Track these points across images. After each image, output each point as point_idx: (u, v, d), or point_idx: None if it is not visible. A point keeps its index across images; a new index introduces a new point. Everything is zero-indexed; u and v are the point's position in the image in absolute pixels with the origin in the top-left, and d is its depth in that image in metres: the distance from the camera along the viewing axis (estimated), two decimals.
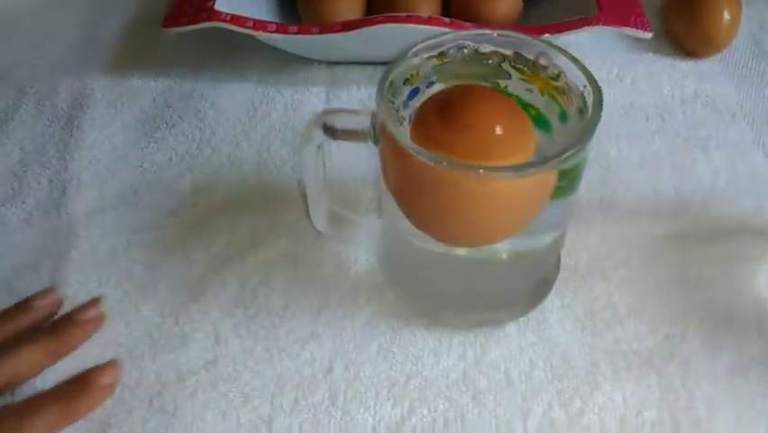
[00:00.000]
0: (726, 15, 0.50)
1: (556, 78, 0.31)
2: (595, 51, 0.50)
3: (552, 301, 0.36)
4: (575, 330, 0.35)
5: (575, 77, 0.31)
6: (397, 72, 0.31)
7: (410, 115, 0.30)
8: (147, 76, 0.49)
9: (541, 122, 0.31)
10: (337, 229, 0.37)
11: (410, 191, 0.30)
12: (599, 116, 0.29)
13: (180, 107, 0.47)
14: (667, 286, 0.37)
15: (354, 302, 0.37)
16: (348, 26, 0.44)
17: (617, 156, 0.44)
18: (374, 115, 0.31)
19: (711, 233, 0.40)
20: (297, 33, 0.45)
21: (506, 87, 0.32)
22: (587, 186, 0.41)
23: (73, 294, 0.36)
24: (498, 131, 0.28)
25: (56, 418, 0.31)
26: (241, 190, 0.42)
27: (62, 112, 0.47)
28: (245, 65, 0.50)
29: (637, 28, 0.44)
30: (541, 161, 0.28)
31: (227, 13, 0.45)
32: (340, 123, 0.31)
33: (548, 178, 0.29)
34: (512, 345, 0.35)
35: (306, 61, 0.49)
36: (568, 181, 0.31)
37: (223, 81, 0.49)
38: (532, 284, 0.35)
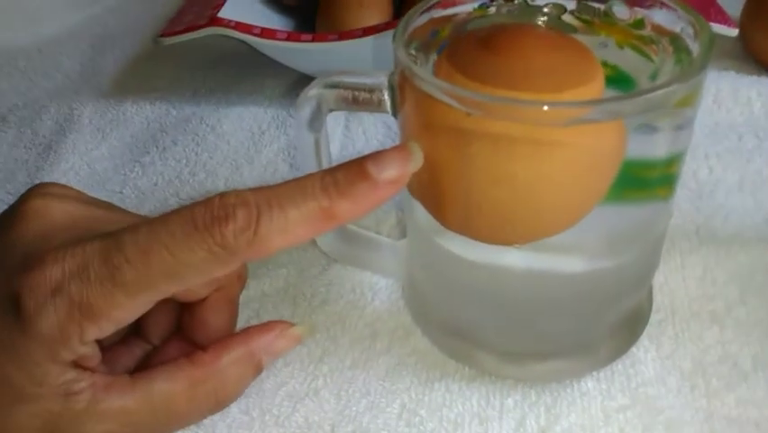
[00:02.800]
0: None
1: (639, 24, 0.23)
2: None
3: (645, 351, 0.26)
4: (682, 390, 0.25)
5: (666, 19, 0.22)
6: (421, 20, 0.23)
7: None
8: (143, 101, 0.43)
9: (622, 80, 0.22)
10: (350, 250, 0.28)
11: (441, 168, 0.21)
12: (709, 55, 0.20)
13: (176, 132, 0.40)
14: None
15: (370, 348, 0.27)
16: (371, 31, 0.37)
17: (708, 178, 0.35)
18: (392, 75, 0.23)
19: None
20: (311, 42, 0.38)
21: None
22: (677, 212, 0.32)
23: None
24: (559, 59, 0.19)
25: (306, 216, 0.21)
26: None
27: (42, 138, 0.41)
28: (255, 89, 0.44)
29: (720, 23, 0.36)
30: (630, 95, 0.19)
31: (231, 20, 0.38)
32: (349, 82, 0.23)
33: (621, 137, 0.20)
34: (593, 409, 0.24)
35: None
36: (662, 173, 0.22)
37: (228, 105, 0.42)
38: (616, 320, 0.25)
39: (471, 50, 0.21)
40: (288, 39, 0.38)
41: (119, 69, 0.48)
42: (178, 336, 0.26)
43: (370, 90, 0.23)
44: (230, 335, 0.25)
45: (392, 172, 0.21)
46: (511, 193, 0.20)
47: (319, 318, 0.28)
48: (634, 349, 0.26)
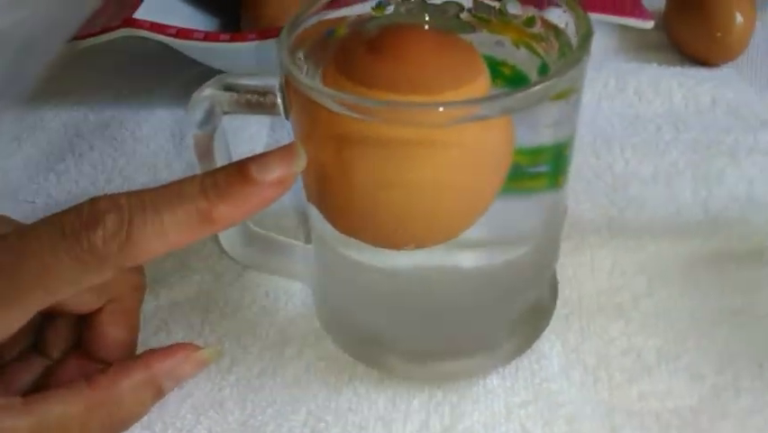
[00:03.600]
0: (739, 17, 0.42)
1: (530, 22, 0.23)
2: None
3: (550, 345, 0.26)
4: (586, 384, 0.25)
5: (554, 16, 0.22)
6: (311, 22, 0.23)
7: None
8: (62, 106, 0.42)
9: (519, 80, 0.22)
10: (258, 255, 0.28)
11: (329, 173, 0.21)
12: (585, 48, 0.20)
13: (93, 137, 0.40)
14: (707, 321, 0.27)
15: (280, 355, 0.27)
16: None
17: (623, 170, 0.35)
18: (284, 79, 0.22)
19: (755, 252, 0.30)
20: (230, 41, 0.37)
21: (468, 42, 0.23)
22: (590, 205, 0.33)
23: None
24: (441, 60, 0.19)
25: (183, 220, 0.20)
26: None
27: None
28: (178, 91, 0.43)
29: (636, 17, 0.36)
30: (514, 91, 0.19)
31: (146, 21, 0.38)
32: (242, 84, 0.23)
33: (509, 133, 0.20)
34: (496, 406, 0.24)
35: None
36: (551, 161, 0.22)
37: (150, 108, 0.41)
38: (516, 315, 0.25)
39: (356, 53, 0.21)
40: (205, 39, 0.38)
41: (42, 74, 0.46)
42: (77, 351, 0.25)
43: (263, 93, 0.23)
44: (131, 357, 0.25)
45: (276, 173, 0.21)
46: (400, 198, 0.20)
47: (230, 326, 0.28)
48: (539, 344, 0.26)
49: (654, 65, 0.43)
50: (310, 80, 0.20)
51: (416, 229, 0.21)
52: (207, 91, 0.23)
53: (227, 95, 0.23)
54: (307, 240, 0.27)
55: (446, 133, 0.20)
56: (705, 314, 0.28)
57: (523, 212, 0.23)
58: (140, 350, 0.26)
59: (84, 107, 0.42)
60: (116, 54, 0.47)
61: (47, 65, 0.47)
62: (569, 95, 0.21)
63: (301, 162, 0.21)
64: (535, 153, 0.22)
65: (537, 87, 0.19)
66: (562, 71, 0.19)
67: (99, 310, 0.24)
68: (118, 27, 0.37)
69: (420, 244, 0.22)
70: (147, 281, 0.30)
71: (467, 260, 0.23)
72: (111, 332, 0.24)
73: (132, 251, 0.20)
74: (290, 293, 0.29)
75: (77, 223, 0.20)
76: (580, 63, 0.20)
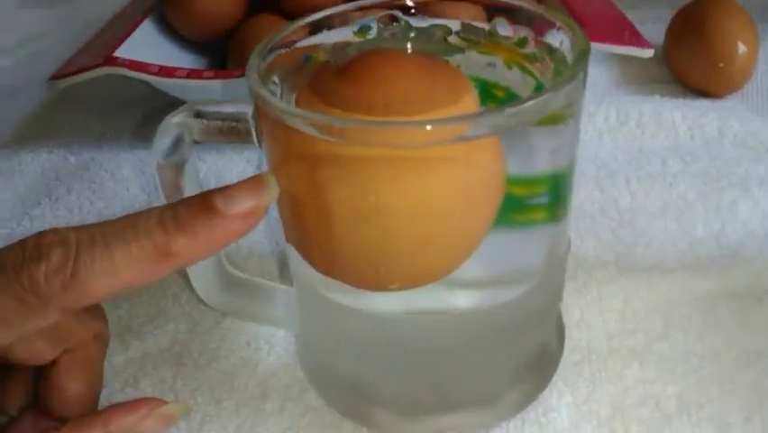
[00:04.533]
0: (742, 47, 0.41)
1: (523, 42, 0.21)
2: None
3: (559, 395, 0.24)
4: None
5: (548, 35, 0.21)
6: (287, 47, 0.21)
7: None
8: (41, 149, 0.41)
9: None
10: (238, 300, 0.25)
11: (303, 205, 0.19)
12: (582, 64, 0.19)
13: (72, 180, 0.38)
14: (730, 364, 0.25)
15: (259, 410, 0.24)
16: None
17: (630, 205, 0.33)
18: (255, 103, 0.21)
19: None
20: (213, 78, 0.36)
21: (457, 65, 0.22)
22: (596, 242, 0.30)
23: None
24: (422, 85, 0.17)
25: (137, 256, 0.18)
26: None
27: None
28: None
29: (635, 45, 0.35)
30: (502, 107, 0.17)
31: (126, 59, 0.36)
32: (214, 111, 0.21)
33: (497, 159, 0.18)
34: None
35: None
36: (549, 192, 0.20)
37: (131, 150, 0.40)
38: (521, 362, 0.23)
39: (331, 76, 0.19)
40: (188, 76, 0.36)
41: (21, 119, 0.45)
42: (35, 407, 0.23)
43: (236, 119, 0.21)
44: (90, 413, 0.22)
45: (243, 205, 0.19)
46: (379, 230, 0.18)
47: (204, 379, 0.25)
48: (547, 394, 0.24)
49: (657, 97, 0.41)
50: (279, 101, 0.18)
51: (399, 266, 0.19)
52: (177, 118, 0.22)
53: (198, 122, 0.21)
54: (290, 283, 0.25)
55: (427, 157, 0.18)
56: (728, 356, 0.25)
57: (521, 247, 0.21)
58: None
59: (64, 150, 0.40)
60: (99, 96, 0.46)
61: (31, 109, 0.46)
62: (565, 119, 0.19)
63: (271, 194, 0.19)
64: (532, 183, 0.20)
65: (530, 103, 0.17)
66: (557, 87, 0.18)
67: (55, 362, 0.22)
68: (98, 66, 0.36)
69: (405, 283, 0.19)
70: (118, 330, 0.28)
71: (462, 301, 0.20)
72: (68, 386, 0.22)
73: (78, 289, 0.18)
74: (272, 342, 0.27)
75: (19, 258, 0.18)
76: (577, 79, 0.18)
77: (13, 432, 0.22)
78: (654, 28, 0.44)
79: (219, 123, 0.21)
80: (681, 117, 0.39)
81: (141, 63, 0.36)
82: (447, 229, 0.19)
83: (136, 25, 0.42)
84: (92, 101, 0.45)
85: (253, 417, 0.24)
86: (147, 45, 0.40)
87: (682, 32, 0.43)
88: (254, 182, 0.19)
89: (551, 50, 0.20)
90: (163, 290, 0.29)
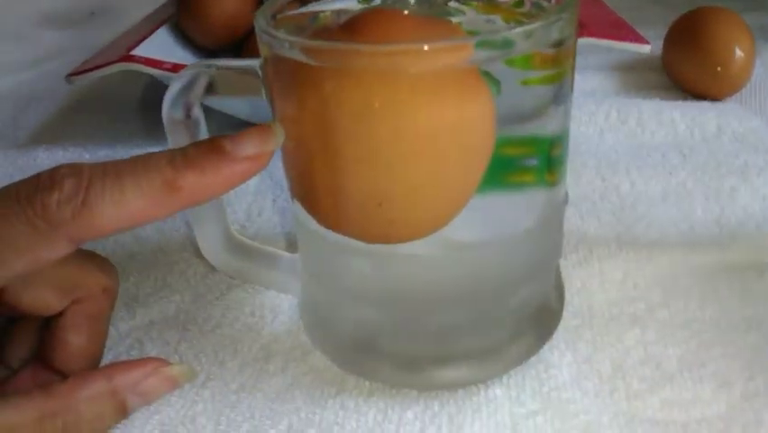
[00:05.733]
0: (739, 51, 0.42)
1: (519, 4, 0.22)
2: (581, 97, 0.42)
3: (560, 355, 0.24)
4: (601, 393, 0.22)
5: None
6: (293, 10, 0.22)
7: None
8: (56, 147, 0.42)
9: None
10: (242, 263, 0.26)
11: (308, 151, 0.20)
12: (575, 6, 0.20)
13: None
14: (732, 330, 0.25)
15: (262, 370, 0.24)
16: None
17: (630, 191, 0.34)
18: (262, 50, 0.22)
19: None
20: None
21: (459, 24, 0.23)
22: (596, 223, 0.31)
23: None
24: (426, 36, 0.18)
25: (146, 189, 0.19)
26: (136, 236, 0.32)
27: None
28: None
29: (632, 41, 0.36)
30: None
31: (141, 56, 0.38)
32: (223, 63, 0.22)
33: (490, 107, 0.19)
34: (499, 416, 0.22)
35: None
36: (540, 154, 0.21)
37: (146, 147, 0.41)
38: (518, 315, 0.23)
39: (333, 33, 0.20)
40: None
41: (39, 122, 0.47)
42: (37, 361, 0.23)
43: (245, 71, 0.22)
44: (93, 368, 0.22)
45: (250, 149, 0.19)
46: (379, 171, 0.19)
47: (208, 343, 0.26)
48: (548, 354, 0.24)
49: (657, 99, 0.42)
50: (284, 33, 0.19)
51: (398, 210, 0.20)
52: (190, 68, 0.23)
53: (209, 70, 0.22)
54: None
55: (423, 100, 0.18)
56: (729, 323, 0.25)
57: (515, 207, 0.22)
58: None
59: (79, 148, 0.42)
60: (115, 100, 0.47)
61: (48, 114, 0.48)
62: (555, 79, 0.20)
63: (277, 141, 0.20)
64: (523, 144, 0.21)
65: (525, 28, 0.18)
66: (550, 15, 0.18)
67: (62, 314, 0.22)
68: (114, 62, 0.37)
69: (405, 228, 0.20)
70: (125, 300, 0.28)
71: (463, 239, 0.21)
72: (73, 339, 0.22)
73: (88, 218, 0.18)
74: (277, 312, 0.27)
75: (33, 187, 0.18)
76: (571, 9, 0.19)
77: (13, 384, 0.22)
78: (654, 32, 0.46)
79: (229, 72, 0.22)
80: (680, 115, 0.40)
81: (156, 60, 0.38)
82: (441, 173, 0.19)
83: (152, 32, 0.43)
84: (108, 104, 0.47)
85: (256, 376, 0.24)
86: (162, 50, 0.42)
87: (680, 39, 0.44)
88: (262, 129, 0.20)
89: (545, 10, 0.21)
90: (170, 266, 0.30)
